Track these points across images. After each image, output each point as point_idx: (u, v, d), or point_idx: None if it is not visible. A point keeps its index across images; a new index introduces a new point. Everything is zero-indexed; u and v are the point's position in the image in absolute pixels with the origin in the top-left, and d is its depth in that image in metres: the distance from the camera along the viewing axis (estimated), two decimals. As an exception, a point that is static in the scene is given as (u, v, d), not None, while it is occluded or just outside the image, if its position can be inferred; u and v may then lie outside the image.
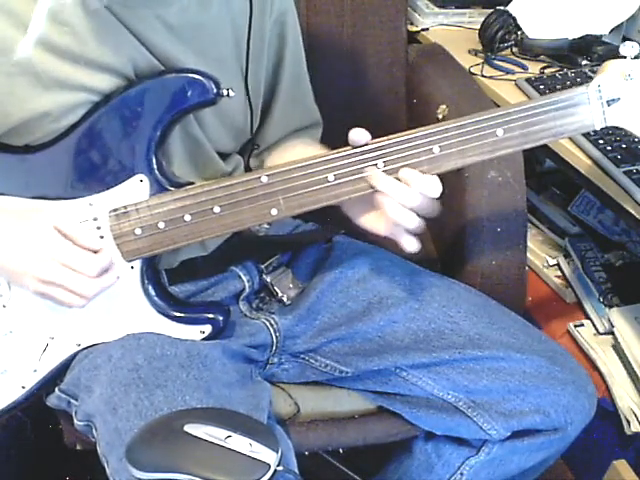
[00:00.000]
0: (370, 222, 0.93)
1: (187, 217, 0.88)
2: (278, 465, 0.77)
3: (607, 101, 0.87)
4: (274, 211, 0.88)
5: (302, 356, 1.09)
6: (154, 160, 0.89)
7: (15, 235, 0.86)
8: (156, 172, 0.89)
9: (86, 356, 0.95)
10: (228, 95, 0.89)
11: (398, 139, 0.87)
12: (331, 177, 0.87)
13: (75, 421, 0.97)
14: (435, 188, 0.86)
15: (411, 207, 0.86)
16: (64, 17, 0.83)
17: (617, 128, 1.01)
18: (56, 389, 1.00)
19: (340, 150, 0.87)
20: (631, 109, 0.88)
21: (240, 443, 0.76)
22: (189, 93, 0.87)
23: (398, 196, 0.85)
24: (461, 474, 1.11)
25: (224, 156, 1.04)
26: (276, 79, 1.07)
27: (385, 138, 0.87)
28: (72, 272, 0.85)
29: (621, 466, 1.39)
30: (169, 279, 1.00)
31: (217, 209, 0.88)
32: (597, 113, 0.88)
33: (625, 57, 0.88)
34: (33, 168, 0.89)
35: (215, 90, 0.88)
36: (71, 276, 0.85)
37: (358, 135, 0.86)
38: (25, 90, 0.85)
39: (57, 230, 0.87)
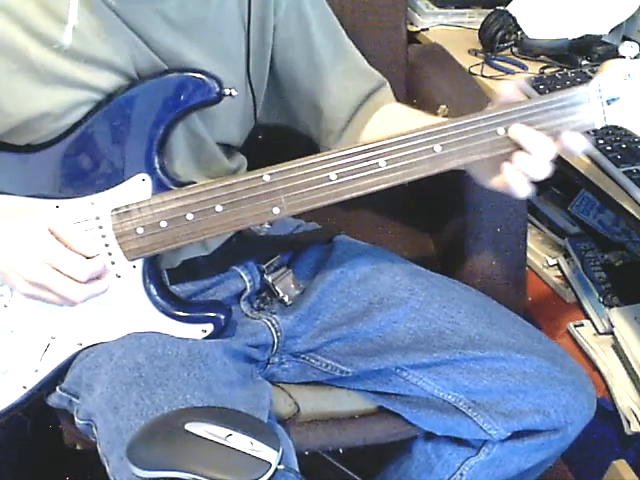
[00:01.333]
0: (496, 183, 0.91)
1: (189, 216, 0.88)
2: (279, 464, 0.77)
3: (607, 100, 0.88)
4: (276, 210, 0.88)
5: (303, 356, 1.09)
6: (156, 159, 0.89)
7: (7, 235, 0.86)
8: (158, 171, 0.89)
9: (87, 355, 0.95)
10: (231, 95, 0.89)
11: (400, 138, 0.87)
12: (333, 176, 0.87)
13: (76, 420, 0.97)
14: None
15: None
16: (65, 15, 0.82)
17: (617, 128, 1.02)
18: (57, 388, 1.00)
19: (342, 149, 0.87)
20: (630, 108, 0.88)
21: (241, 442, 0.76)
22: (191, 93, 0.87)
23: (540, 151, 0.85)
24: (461, 474, 1.11)
25: (228, 154, 1.04)
26: (315, 61, 1.04)
27: (387, 136, 0.87)
28: (61, 276, 0.85)
29: (621, 466, 1.39)
30: (170, 279, 1.00)
31: (219, 208, 0.88)
32: (597, 112, 0.88)
33: (624, 57, 0.89)
34: (35, 167, 0.89)
35: (218, 90, 0.88)
36: (59, 280, 0.84)
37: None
38: (25, 88, 0.84)
39: (51, 232, 0.86)
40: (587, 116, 0.88)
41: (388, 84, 1.13)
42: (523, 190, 0.86)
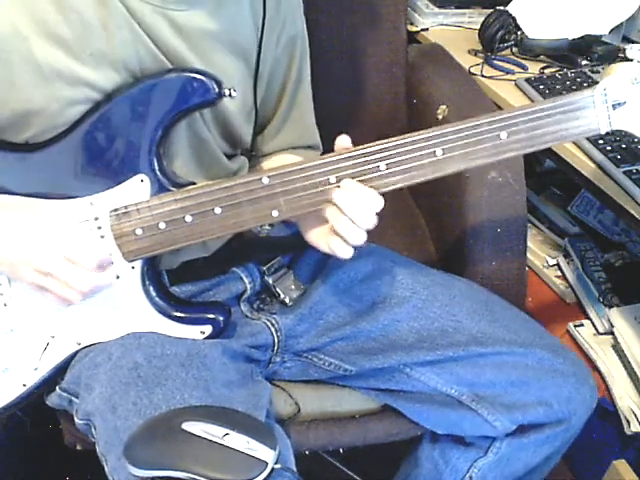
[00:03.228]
0: (315, 237, 0.93)
1: (188, 218, 0.88)
2: (276, 463, 0.77)
3: (613, 105, 0.87)
4: (275, 212, 0.88)
5: (305, 355, 1.09)
6: (155, 160, 0.89)
7: (16, 227, 0.86)
8: (157, 172, 0.89)
9: (86, 354, 0.95)
10: (230, 95, 0.88)
11: (401, 141, 0.86)
12: (332, 179, 0.86)
13: (76, 420, 0.97)
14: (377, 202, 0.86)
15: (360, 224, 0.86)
16: (72, 4, 0.82)
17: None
18: (57, 388, 1.00)
19: (342, 152, 0.86)
20: (637, 113, 0.87)
21: (238, 441, 0.76)
22: (190, 93, 0.87)
23: (351, 212, 0.85)
24: (470, 478, 1.11)
25: (229, 155, 1.04)
26: (280, 96, 1.08)
27: (388, 140, 0.86)
28: (70, 264, 0.85)
29: (621, 466, 1.39)
30: (170, 280, 1.00)
31: (218, 210, 0.88)
32: (602, 117, 0.87)
33: (632, 60, 0.87)
34: (34, 167, 0.88)
35: (217, 90, 0.87)
36: (68, 268, 0.85)
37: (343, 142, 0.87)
38: (24, 81, 0.83)
39: (57, 225, 0.87)
40: (592, 121, 0.87)
41: (319, 151, 1.16)
42: (344, 253, 0.87)
